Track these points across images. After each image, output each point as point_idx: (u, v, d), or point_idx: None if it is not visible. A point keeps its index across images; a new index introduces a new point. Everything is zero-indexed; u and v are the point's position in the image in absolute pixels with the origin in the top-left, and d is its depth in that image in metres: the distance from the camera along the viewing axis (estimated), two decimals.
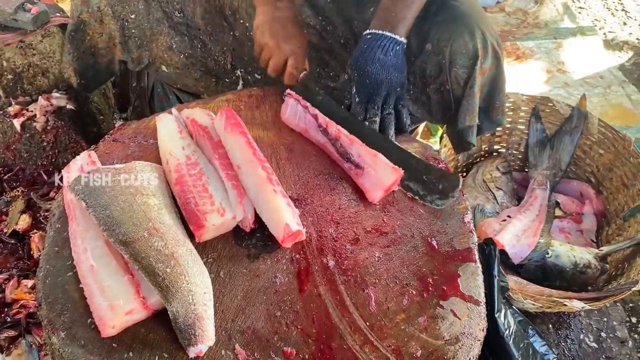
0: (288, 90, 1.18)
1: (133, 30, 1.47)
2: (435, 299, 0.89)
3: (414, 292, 0.89)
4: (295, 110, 1.15)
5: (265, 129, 1.17)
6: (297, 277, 0.89)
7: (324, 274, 0.90)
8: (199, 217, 0.91)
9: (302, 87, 1.20)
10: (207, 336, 0.78)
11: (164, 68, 1.52)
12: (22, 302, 1.35)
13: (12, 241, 1.49)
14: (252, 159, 0.98)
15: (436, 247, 0.97)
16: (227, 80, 1.50)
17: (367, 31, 1.13)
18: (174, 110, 1.16)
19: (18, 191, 1.59)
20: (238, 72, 1.50)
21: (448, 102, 1.28)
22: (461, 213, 1.04)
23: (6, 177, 1.66)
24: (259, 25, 1.22)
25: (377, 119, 1.12)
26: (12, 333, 1.33)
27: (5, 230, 1.50)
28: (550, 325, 1.52)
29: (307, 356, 0.80)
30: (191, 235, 0.91)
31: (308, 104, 1.13)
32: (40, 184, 1.63)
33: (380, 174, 1.01)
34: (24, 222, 1.50)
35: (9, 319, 1.34)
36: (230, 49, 1.48)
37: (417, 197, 1.05)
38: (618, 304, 1.59)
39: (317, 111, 1.12)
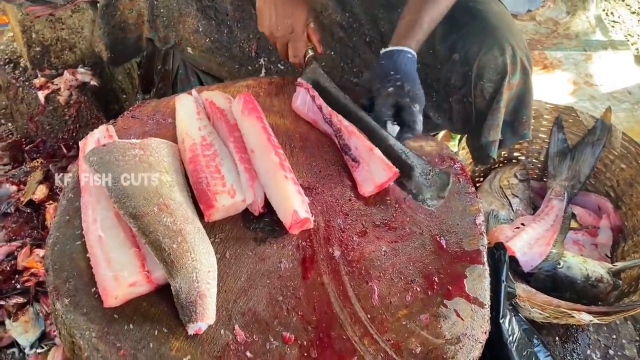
0: (299, 80, 1.17)
1: (161, 10, 1.48)
2: (439, 298, 0.88)
3: (418, 289, 0.89)
4: (304, 100, 1.16)
5: (282, 116, 1.17)
6: (302, 264, 0.89)
7: (328, 263, 0.90)
8: (209, 197, 0.91)
9: (310, 69, 1.20)
10: (207, 314, 0.79)
11: (189, 50, 1.53)
12: (32, 270, 1.37)
13: (28, 210, 1.52)
14: (266, 144, 0.98)
15: (445, 246, 0.96)
16: (250, 68, 1.50)
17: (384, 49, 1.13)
18: (193, 91, 1.16)
19: (38, 162, 1.62)
20: (261, 60, 1.51)
21: (470, 113, 1.26)
22: (473, 214, 1.03)
23: (27, 147, 1.70)
24: (257, 11, 1.22)
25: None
26: (20, 300, 1.35)
27: (22, 199, 1.52)
28: (557, 338, 1.49)
29: (305, 343, 0.80)
30: (201, 215, 0.92)
31: (316, 94, 1.13)
32: (59, 156, 1.65)
33: (373, 170, 1.01)
34: (40, 192, 1.53)
35: (18, 286, 1.36)
36: (255, 37, 1.49)
37: (409, 195, 1.04)
38: (629, 322, 1.56)
39: (322, 102, 1.11)
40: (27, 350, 1.31)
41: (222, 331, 0.80)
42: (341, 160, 1.08)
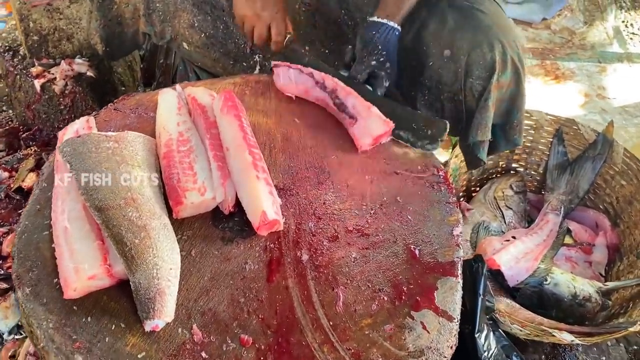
0: (273, 62, 1.21)
1: (157, 4, 1.48)
2: (407, 309, 0.86)
3: (386, 298, 0.87)
4: (287, 75, 1.19)
5: (266, 115, 1.16)
6: (268, 266, 0.88)
7: (295, 267, 0.88)
8: (178, 193, 0.90)
9: (289, 51, 1.25)
10: (165, 312, 0.78)
11: (185, 45, 1.53)
12: None
13: (17, 197, 1.53)
14: (240, 143, 0.97)
15: (418, 256, 0.94)
16: (245, 64, 1.50)
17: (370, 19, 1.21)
18: (177, 86, 1.16)
19: (31, 150, 1.63)
20: (256, 57, 1.50)
21: (461, 112, 1.26)
22: (451, 225, 1.00)
23: (24, 135, 1.71)
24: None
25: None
26: (3, 286, 1.36)
27: (12, 185, 1.54)
28: (543, 356, 1.45)
29: (263, 347, 0.79)
30: (170, 211, 0.91)
31: (300, 66, 1.18)
32: (53, 146, 1.66)
33: (371, 124, 1.08)
34: (30, 180, 1.54)
35: (2, 272, 1.37)
36: None
37: (408, 144, 1.11)
38: (621, 344, 1.51)
39: (311, 69, 1.17)
40: (5, 336, 1.31)
41: (180, 330, 0.79)
42: (321, 163, 1.07)
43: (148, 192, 0.90)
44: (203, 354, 0.77)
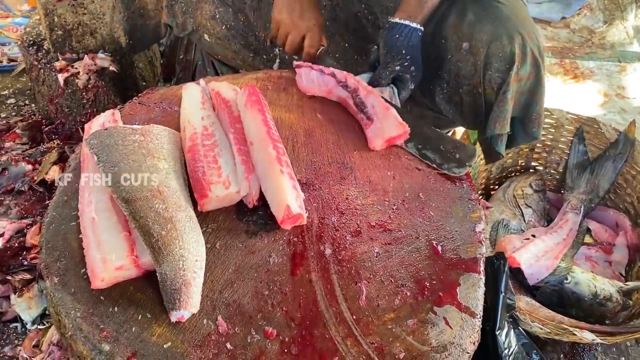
0: (296, 62, 1.22)
1: None
2: (429, 304, 0.86)
3: (408, 293, 0.87)
4: (310, 77, 1.19)
5: (288, 111, 1.16)
6: (291, 260, 0.88)
7: (318, 260, 0.89)
8: (203, 187, 0.91)
9: (319, 62, 1.24)
10: (191, 303, 0.78)
11: (206, 37, 1.54)
12: None
13: (41, 189, 1.55)
14: (264, 137, 0.97)
15: (440, 252, 0.94)
16: (265, 57, 1.50)
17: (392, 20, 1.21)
18: (201, 81, 1.17)
19: (54, 143, 1.65)
20: (276, 50, 1.50)
21: (480, 106, 1.25)
22: (473, 222, 1.00)
23: (47, 129, 1.73)
24: (276, 2, 1.25)
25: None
26: (27, 276, 1.38)
27: (35, 178, 1.56)
28: (562, 356, 1.45)
29: (287, 339, 0.79)
30: (195, 204, 0.92)
31: (322, 67, 1.19)
32: (76, 139, 1.69)
33: (385, 126, 1.09)
34: (53, 172, 1.56)
35: (26, 263, 1.39)
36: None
37: (434, 166, 1.08)
38: None
39: (333, 70, 1.18)
40: (29, 326, 1.34)
41: (205, 321, 0.80)
42: (344, 158, 1.07)
43: (174, 185, 0.91)
44: (228, 345, 0.78)
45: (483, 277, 0.92)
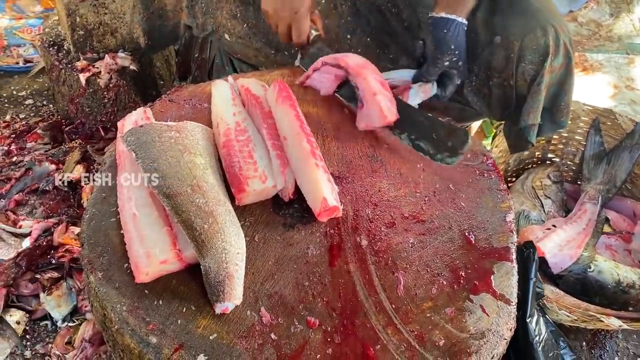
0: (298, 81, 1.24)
1: None
2: (466, 292, 0.87)
3: (445, 282, 0.88)
4: (317, 80, 1.21)
5: (316, 106, 1.18)
6: (329, 252, 0.90)
7: (355, 252, 0.90)
8: (241, 181, 0.93)
9: (315, 50, 1.25)
10: (235, 295, 0.80)
11: (226, 36, 1.55)
12: (67, 246, 1.41)
13: (65, 189, 1.56)
14: (298, 132, 0.99)
15: (473, 241, 0.95)
16: (287, 53, 1.51)
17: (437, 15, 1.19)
18: (230, 78, 1.18)
19: (76, 143, 1.67)
20: None
21: (510, 98, 1.26)
22: (503, 211, 1.02)
23: (67, 128, 1.75)
24: None
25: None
26: (55, 275, 1.40)
27: (62, 178, 1.57)
28: (584, 343, 1.47)
29: (329, 328, 0.81)
30: (232, 198, 0.93)
31: (316, 66, 1.19)
32: (97, 138, 1.70)
33: (370, 113, 1.08)
34: (77, 172, 1.57)
35: (53, 261, 1.41)
36: None
37: (427, 156, 1.08)
38: None
39: (322, 58, 1.18)
40: (59, 324, 1.35)
41: (249, 312, 0.82)
42: (373, 151, 1.09)
43: (211, 180, 0.92)
44: (272, 335, 0.79)
45: (516, 266, 0.93)
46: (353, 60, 1.13)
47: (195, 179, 0.89)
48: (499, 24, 1.21)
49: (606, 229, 1.62)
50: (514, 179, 1.78)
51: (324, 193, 0.90)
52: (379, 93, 1.08)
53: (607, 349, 1.46)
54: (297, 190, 0.96)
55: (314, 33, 1.26)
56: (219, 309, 0.80)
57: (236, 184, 0.93)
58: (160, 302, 0.82)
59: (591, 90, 2.52)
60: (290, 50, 1.50)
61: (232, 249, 0.84)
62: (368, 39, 1.41)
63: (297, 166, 0.96)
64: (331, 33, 1.44)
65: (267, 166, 0.97)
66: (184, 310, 0.81)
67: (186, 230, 0.83)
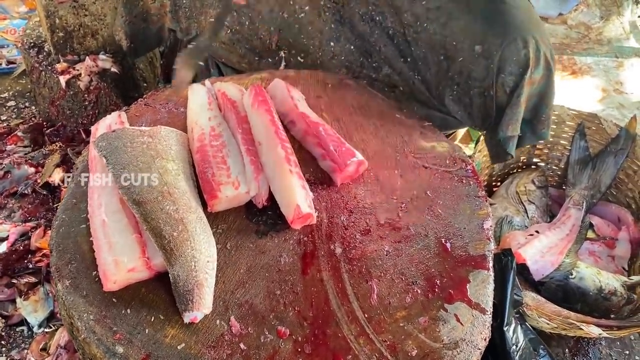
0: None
1: (184, 1, 1.49)
2: (440, 301, 0.86)
3: (419, 291, 0.87)
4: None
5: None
6: (302, 259, 0.89)
7: (329, 260, 0.89)
8: (213, 187, 0.91)
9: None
10: (204, 304, 0.78)
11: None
12: (45, 251, 1.40)
13: (44, 192, 1.55)
14: (273, 137, 0.97)
15: (449, 249, 0.94)
16: (270, 60, 1.50)
17: None
18: (207, 82, 1.17)
19: (56, 145, 1.65)
20: (282, 53, 1.50)
21: (490, 108, 1.24)
22: (481, 218, 1.00)
23: (48, 131, 1.73)
24: None
25: None
26: (32, 279, 1.38)
27: (39, 180, 1.55)
28: (567, 350, 1.46)
29: (300, 338, 0.80)
30: (205, 205, 0.92)
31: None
32: (78, 141, 1.68)
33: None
34: (57, 175, 1.56)
35: (31, 266, 1.39)
36: (277, 30, 1.48)
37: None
38: None
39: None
40: (35, 329, 1.33)
41: (218, 321, 0.80)
42: None
43: (183, 186, 0.91)
44: (241, 345, 0.78)
45: (492, 274, 0.92)
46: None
47: (166, 186, 0.88)
48: (480, 33, 1.20)
49: (590, 234, 1.61)
50: (499, 183, 1.78)
51: (297, 200, 0.89)
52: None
53: (590, 356, 1.45)
54: (272, 197, 0.95)
55: None
56: (187, 318, 0.79)
57: (208, 190, 0.92)
58: (129, 310, 0.81)
59: (580, 93, 2.52)
60: (273, 57, 1.49)
61: (201, 257, 0.82)
62: (352, 47, 1.40)
63: (271, 172, 0.95)
64: (315, 40, 1.43)
65: (241, 172, 0.95)
66: (152, 320, 0.80)
67: (154, 238, 0.82)
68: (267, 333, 0.80)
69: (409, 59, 1.32)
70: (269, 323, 0.81)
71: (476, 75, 1.22)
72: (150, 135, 0.96)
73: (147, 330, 0.78)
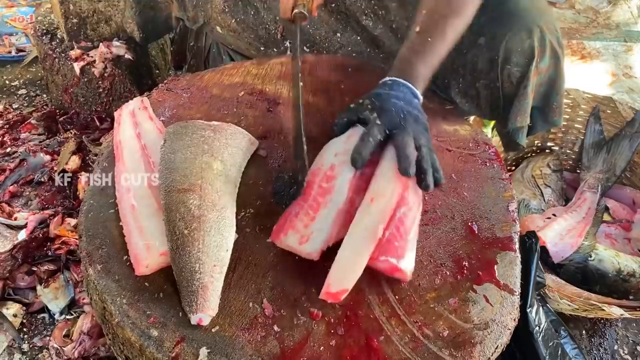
0: None
1: None
2: (469, 283, 0.86)
3: (448, 272, 0.87)
4: None
5: (315, 95, 1.16)
6: None
7: None
8: (285, 226, 0.86)
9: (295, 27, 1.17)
10: (208, 306, 0.77)
11: (218, 29, 1.54)
12: (64, 238, 1.40)
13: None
14: None
15: (476, 231, 0.94)
16: (275, 50, 1.49)
17: (386, 78, 1.03)
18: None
19: (71, 133, 1.64)
20: (287, 43, 1.49)
21: (498, 99, 1.23)
22: (506, 201, 1.01)
23: (61, 119, 1.72)
24: None
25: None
26: (52, 267, 1.38)
27: (55, 168, 1.55)
28: (584, 332, 1.47)
29: (332, 320, 0.80)
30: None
31: None
32: (92, 129, 1.68)
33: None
34: (73, 162, 1.55)
35: (50, 253, 1.39)
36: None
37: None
38: None
39: None
40: (56, 316, 1.34)
41: (251, 304, 0.80)
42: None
43: (220, 186, 0.88)
44: (275, 327, 0.78)
45: (519, 255, 0.92)
46: None
47: (201, 180, 0.87)
48: (484, 25, 1.18)
49: (606, 217, 1.62)
50: (513, 167, 1.78)
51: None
52: None
53: (607, 337, 1.46)
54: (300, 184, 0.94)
55: (301, 9, 1.16)
56: (194, 319, 0.77)
57: (280, 223, 0.86)
58: (161, 294, 0.81)
59: (589, 78, 2.51)
60: (279, 46, 1.48)
61: (208, 260, 0.80)
62: (358, 38, 1.38)
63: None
64: (321, 30, 1.42)
65: (319, 230, 0.84)
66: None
67: (166, 230, 0.81)
68: (299, 315, 0.80)
69: None
70: (301, 305, 0.81)
71: (481, 68, 1.20)
72: (214, 130, 0.95)
73: (180, 313, 0.79)
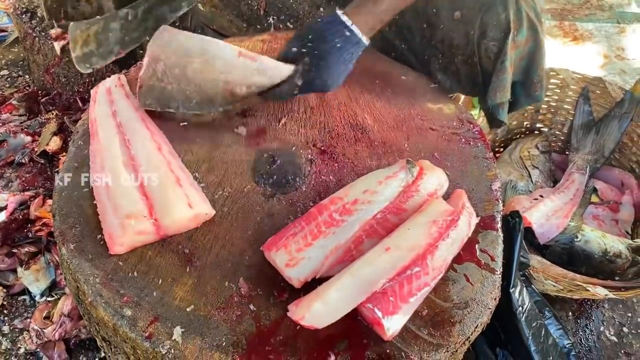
0: None
1: None
2: None
3: None
4: None
5: None
6: None
7: None
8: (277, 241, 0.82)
9: None
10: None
11: (200, 6, 1.51)
12: (44, 220, 1.38)
13: (42, 161, 1.52)
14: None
15: None
16: (259, 27, 1.46)
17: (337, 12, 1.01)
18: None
19: (52, 114, 1.61)
20: (270, 19, 1.46)
21: (477, 74, 1.21)
22: (489, 180, 0.99)
23: (43, 99, 1.69)
24: None
25: None
26: (32, 249, 1.36)
27: (36, 149, 1.52)
28: (570, 313, 1.47)
29: None
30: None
31: None
32: (74, 109, 1.64)
33: None
34: (54, 143, 1.53)
35: (31, 235, 1.37)
36: None
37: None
38: None
39: None
40: (37, 298, 1.32)
41: (227, 283, 0.79)
42: (356, 119, 1.05)
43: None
44: (251, 306, 0.77)
45: (501, 234, 0.91)
46: None
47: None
48: None
49: (594, 199, 1.61)
50: (502, 149, 1.77)
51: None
52: None
53: (593, 318, 1.46)
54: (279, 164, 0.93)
55: None
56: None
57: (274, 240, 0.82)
58: (135, 273, 0.80)
59: (581, 59, 2.49)
60: (262, 23, 1.45)
61: None
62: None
63: None
64: (304, 5, 1.39)
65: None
66: (159, 282, 0.79)
67: None
68: (276, 294, 0.79)
69: (393, 28, 1.29)
70: (278, 284, 0.80)
71: (458, 43, 1.18)
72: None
73: (154, 292, 0.77)
